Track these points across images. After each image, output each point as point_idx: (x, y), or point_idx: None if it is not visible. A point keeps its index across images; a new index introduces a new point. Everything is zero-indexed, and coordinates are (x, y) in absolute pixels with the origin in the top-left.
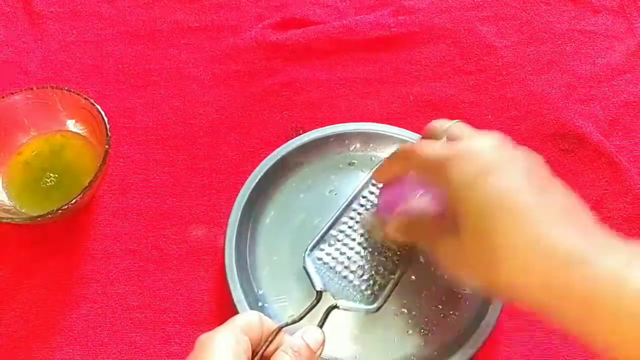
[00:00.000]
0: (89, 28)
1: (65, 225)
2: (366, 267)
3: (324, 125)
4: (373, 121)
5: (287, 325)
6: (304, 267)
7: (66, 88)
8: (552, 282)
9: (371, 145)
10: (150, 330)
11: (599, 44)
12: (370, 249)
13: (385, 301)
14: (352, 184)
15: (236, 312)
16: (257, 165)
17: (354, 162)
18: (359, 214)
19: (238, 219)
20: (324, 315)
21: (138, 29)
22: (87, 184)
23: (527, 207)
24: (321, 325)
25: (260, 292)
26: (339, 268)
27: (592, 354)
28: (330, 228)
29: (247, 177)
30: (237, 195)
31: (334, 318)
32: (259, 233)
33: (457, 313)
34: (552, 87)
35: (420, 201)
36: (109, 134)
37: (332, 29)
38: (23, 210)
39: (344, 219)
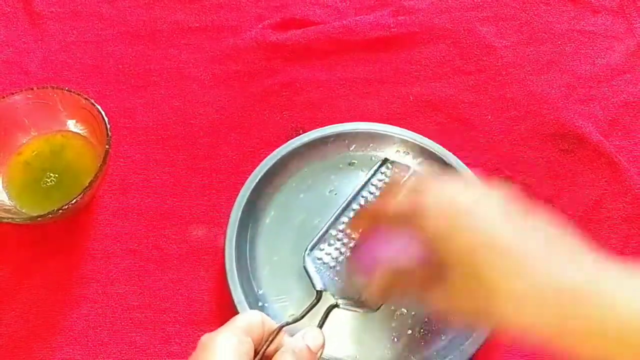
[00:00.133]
0: (89, 28)
1: (65, 225)
2: None
3: (324, 125)
4: (373, 121)
5: (287, 324)
6: (304, 267)
7: (66, 88)
8: (552, 317)
9: (371, 145)
10: (150, 330)
11: (598, 44)
12: None
13: (385, 301)
14: (352, 183)
15: (236, 312)
16: (257, 165)
17: (354, 162)
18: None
19: (238, 218)
20: (324, 314)
21: (138, 29)
22: (87, 184)
23: (511, 248)
24: (321, 325)
25: (261, 292)
26: (338, 267)
27: None
28: (329, 228)
29: (247, 177)
30: (237, 195)
31: (334, 317)
32: (259, 233)
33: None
34: (552, 87)
35: (401, 256)
36: (109, 134)
37: (332, 29)
38: (23, 210)
39: (344, 218)
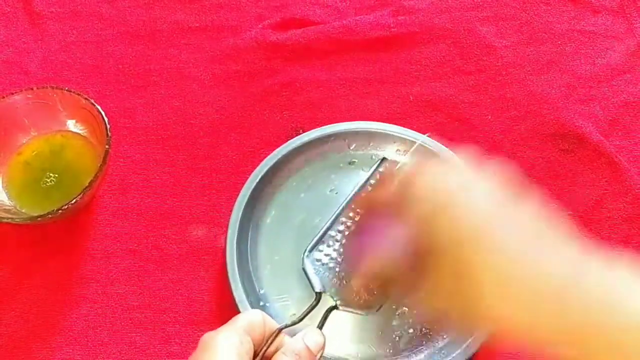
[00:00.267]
0: (89, 28)
1: (65, 225)
2: None
3: (324, 125)
4: (373, 121)
5: (287, 326)
6: (303, 269)
7: (66, 88)
8: (537, 307)
9: (371, 144)
10: (150, 330)
11: (598, 44)
12: None
13: (384, 302)
14: (352, 183)
15: (237, 312)
16: (257, 165)
17: (354, 161)
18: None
19: (239, 218)
20: (323, 315)
21: (138, 29)
22: (87, 184)
23: (497, 234)
24: (321, 326)
25: (262, 292)
26: (338, 269)
27: None
28: (328, 229)
29: (247, 177)
30: (237, 195)
31: (336, 317)
32: (260, 232)
33: None
34: (552, 87)
35: (390, 244)
36: (109, 134)
37: (332, 29)
38: (23, 210)
39: (343, 219)
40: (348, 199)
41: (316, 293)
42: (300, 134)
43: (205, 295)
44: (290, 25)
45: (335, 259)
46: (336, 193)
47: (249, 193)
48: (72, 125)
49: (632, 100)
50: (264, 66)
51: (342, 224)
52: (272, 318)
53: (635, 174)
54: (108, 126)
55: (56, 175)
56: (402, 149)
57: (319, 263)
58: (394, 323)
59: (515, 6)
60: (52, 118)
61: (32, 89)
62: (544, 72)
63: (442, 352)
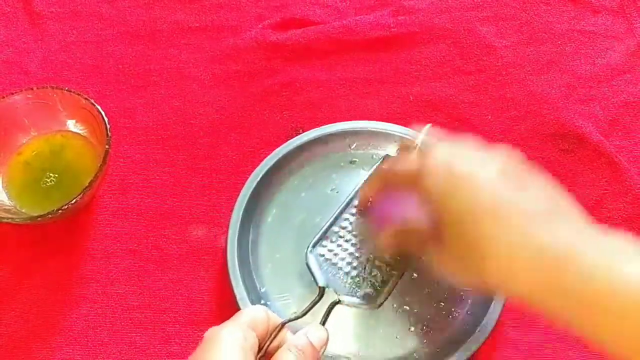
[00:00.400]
0: (89, 28)
1: (65, 225)
2: (368, 263)
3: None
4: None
5: (290, 321)
6: (307, 264)
7: (66, 88)
8: (539, 278)
9: (372, 143)
10: (150, 330)
11: (598, 44)
12: (372, 245)
13: (386, 298)
14: (353, 182)
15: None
16: (257, 165)
17: (355, 161)
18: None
19: (240, 217)
20: (326, 311)
21: (138, 29)
22: (87, 184)
23: (506, 207)
24: (324, 321)
25: (263, 290)
26: (341, 264)
27: (592, 355)
28: (332, 224)
29: (247, 177)
30: (237, 195)
31: (336, 314)
32: (261, 231)
33: (459, 310)
34: (552, 87)
35: (407, 215)
36: (109, 134)
37: (332, 29)
38: (23, 210)
39: (346, 215)
40: (351, 195)
41: (319, 288)
42: (300, 133)
43: (205, 295)
44: (290, 25)
45: (339, 254)
46: (337, 192)
47: (250, 191)
48: (72, 125)
49: (632, 100)
50: (264, 66)
51: (345, 219)
52: None
53: (635, 174)
54: (108, 126)
55: (56, 175)
56: None
57: (323, 258)
58: (395, 322)
59: (515, 6)
60: (52, 118)
61: (32, 89)
62: (544, 72)
63: (444, 350)
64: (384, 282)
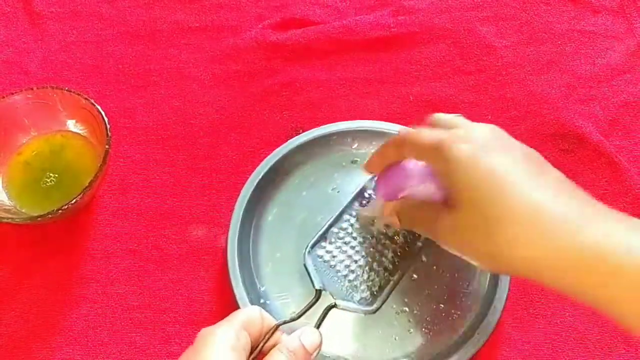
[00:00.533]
0: (89, 28)
1: (65, 225)
2: (366, 267)
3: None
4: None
5: (284, 323)
6: (304, 265)
7: (66, 88)
8: (549, 250)
9: (374, 142)
10: (150, 330)
11: (598, 44)
12: (371, 248)
13: (383, 303)
14: (354, 181)
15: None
16: (257, 165)
17: (357, 160)
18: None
19: (240, 217)
20: (321, 314)
21: (138, 29)
22: (87, 184)
23: (522, 181)
24: (318, 325)
25: (263, 289)
26: (339, 267)
27: (592, 355)
28: (331, 225)
29: (247, 177)
30: (237, 195)
31: (335, 315)
32: (261, 230)
33: (458, 312)
34: (552, 87)
35: (416, 189)
36: (109, 134)
37: (332, 29)
38: (23, 210)
39: (346, 216)
40: (351, 196)
41: (316, 290)
42: (300, 133)
43: (205, 295)
44: (290, 25)
45: (337, 256)
46: (338, 192)
47: (251, 190)
48: (72, 125)
49: (632, 100)
50: (264, 66)
51: (345, 221)
52: (272, 315)
53: (635, 174)
54: (108, 126)
55: (56, 175)
56: None
57: (321, 260)
58: (394, 323)
59: (515, 6)
60: (52, 118)
61: (32, 89)
62: (544, 72)
63: (442, 352)
64: (381, 288)
